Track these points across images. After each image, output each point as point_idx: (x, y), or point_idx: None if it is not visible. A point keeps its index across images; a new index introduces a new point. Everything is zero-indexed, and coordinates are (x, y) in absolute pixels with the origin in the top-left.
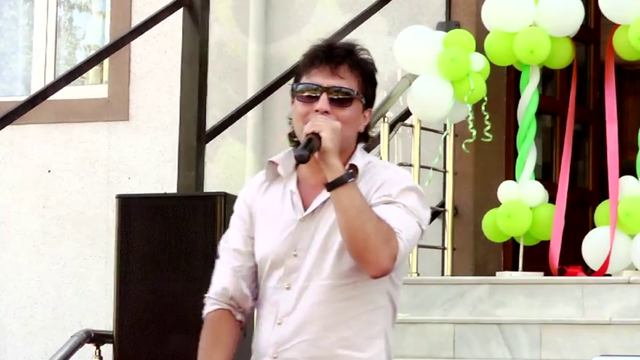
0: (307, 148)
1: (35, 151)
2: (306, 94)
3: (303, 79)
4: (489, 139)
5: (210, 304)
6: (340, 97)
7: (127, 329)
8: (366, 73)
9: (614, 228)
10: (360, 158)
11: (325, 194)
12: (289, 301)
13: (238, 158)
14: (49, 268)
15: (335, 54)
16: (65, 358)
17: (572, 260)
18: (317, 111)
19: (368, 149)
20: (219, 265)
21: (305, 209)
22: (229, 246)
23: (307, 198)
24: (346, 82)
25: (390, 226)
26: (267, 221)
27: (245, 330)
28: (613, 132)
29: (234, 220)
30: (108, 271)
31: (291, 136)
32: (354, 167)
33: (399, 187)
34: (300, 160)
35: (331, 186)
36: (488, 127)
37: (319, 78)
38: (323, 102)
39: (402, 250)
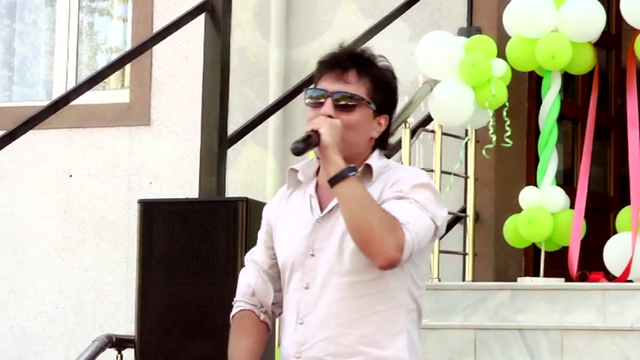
0: (303, 141)
1: (57, 155)
2: (314, 99)
3: (315, 86)
4: (509, 145)
5: (236, 307)
6: (343, 102)
7: (149, 334)
8: (376, 78)
9: (635, 234)
10: (376, 160)
11: None
12: (309, 301)
13: (259, 163)
14: (70, 273)
15: (342, 59)
16: None
17: (594, 266)
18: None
19: (389, 155)
20: (243, 270)
21: (322, 211)
22: (251, 257)
23: (325, 201)
24: (352, 87)
25: (396, 217)
26: (288, 227)
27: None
28: (635, 138)
29: (259, 233)
30: (129, 276)
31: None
32: (368, 167)
33: (412, 184)
34: (295, 152)
35: (333, 181)
36: (508, 133)
37: (326, 83)
38: (327, 107)
39: (409, 242)
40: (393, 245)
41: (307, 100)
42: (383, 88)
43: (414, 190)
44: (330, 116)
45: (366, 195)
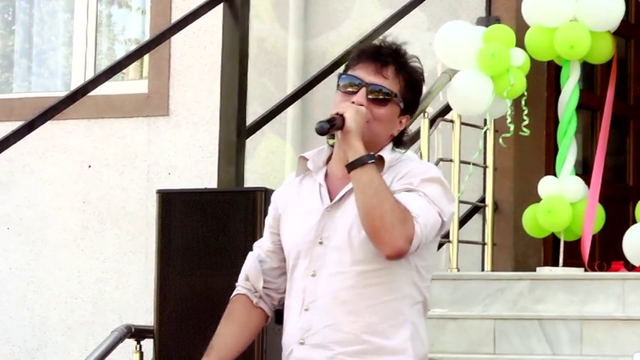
0: (328, 122)
1: (75, 146)
2: (348, 87)
3: (349, 72)
4: (526, 134)
5: (235, 291)
6: (379, 96)
7: (168, 324)
8: (411, 79)
9: None
10: (388, 153)
11: (351, 185)
12: (315, 288)
13: (278, 154)
14: (89, 264)
15: (383, 53)
16: (106, 353)
17: (613, 256)
18: (353, 103)
19: (408, 145)
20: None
21: (331, 200)
22: (258, 243)
23: (334, 189)
24: (388, 82)
25: (408, 209)
26: (296, 214)
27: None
28: None
29: (266, 218)
30: (148, 266)
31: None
32: (380, 158)
33: (422, 177)
34: (320, 132)
35: (351, 166)
36: (526, 122)
37: (363, 73)
38: (360, 96)
39: (418, 234)
40: (402, 236)
41: (341, 86)
42: (414, 89)
43: (424, 183)
44: (361, 105)
45: (382, 183)
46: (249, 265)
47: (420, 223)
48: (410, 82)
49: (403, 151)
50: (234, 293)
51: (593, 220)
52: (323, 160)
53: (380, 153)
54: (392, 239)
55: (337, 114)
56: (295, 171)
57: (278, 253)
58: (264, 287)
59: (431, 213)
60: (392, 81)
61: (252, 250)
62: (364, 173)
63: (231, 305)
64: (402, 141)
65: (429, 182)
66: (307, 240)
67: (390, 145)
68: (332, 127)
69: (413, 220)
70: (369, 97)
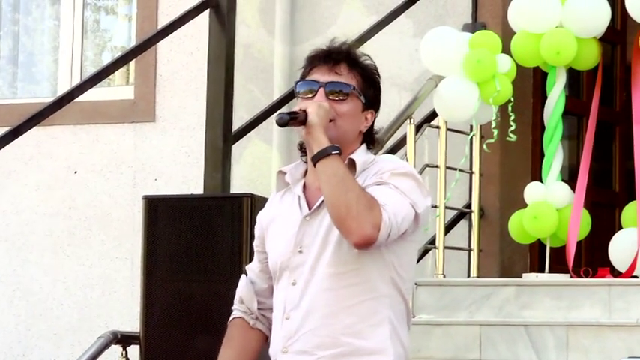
0: (289, 114)
1: (61, 152)
2: (307, 92)
3: (305, 78)
4: (513, 140)
5: (232, 315)
6: (337, 89)
7: (154, 330)
8: (365, 73)
9: None
10: (361, 155)
11: None
12: (295, 295)
13: (264, 159)
14: (75, 270)
15: (333, 53)
16: (92, 359)
17: (599, 262)
18: None
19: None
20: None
21: (310, 209)
22: (249, 265)
23: (312, 200)
24: (344, 77)
25: (375, 198)
26: (278, 227)
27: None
28: None
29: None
30: (134, 273)
31: (301, 146)
32: (351, 161)
33: (392, 172)
34: (279, 123)
35: (316, 157)
36: (512, 128)
37: (318, 75)
38: (320, 96)
39: (386, 221)
40: (369, 222)
41: (300, 92)
42: (371, 83)
43: (394, 177)
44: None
45: (346, 172)
46: (242, 287)
47: (388, 212)
48: (365, 77)
49: (377, 151)
50: (231, 317)
51: (578, 225)
52: (300, 173)
53: (352, 156)
54: (358, 226)
55: (300, 110)
56: (275, 187)
57: (265, 272)
58: (258, 308)
59: (402, 203)
60: (347, 76)
61: (248, 259)
62: (328, 164)
63: (229, 330)
64: (373, 138)
65: (400, 176)
66: (288, 251)
67: (364, 146)
68: (292, 119)
69: (380, 208)
70: (329, 95)
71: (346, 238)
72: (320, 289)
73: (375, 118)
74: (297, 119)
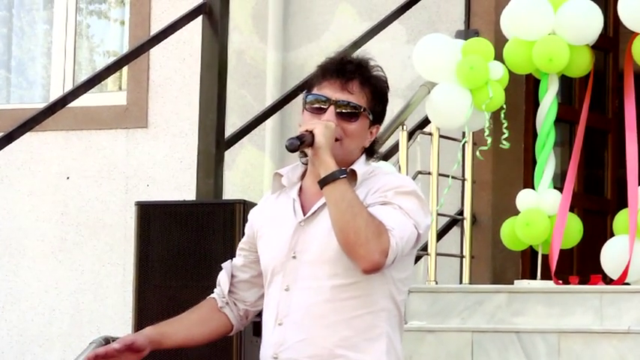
0: (298, 139)
1: (54, 157)
2: (315, 105)
3: (314, 91)
4: (506, 147)
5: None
6: (347, 111)
7: None
8: (376, 90)
9: (633, 237)
10: (361, 166)
11: (324, 199)
12: (288, 302)
13: (257, 165)
14: (67, 275)
15: (347, 69)
16: None
17: (591, 269)
18: None
19: (386, 157)
20: None
21: (305, 215)
22: (233, 260)
23: (308, 204)
24: (355, 97)
25: (382, 222)
26: (271, 230)
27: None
28: (632, 140)
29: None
30: (126, 278)
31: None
32: (352, 172)
33: (397, 190)
34: (290, 148)
35: (323, 182)
36: (505, 135)
37: (329, 91)
38: (330, 114)
39: (393, 247)
40: (378, 249)
41: (307, 105)
42: (380, 99)
43: (399, 196)
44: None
45: (354, 198)
46: (222, 272)
47: (395, 236)
48: (376, 93)
49: (376, 161)
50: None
51: (562, 231)
52: (297, 176)
53: (352, 167)
54: (367, 253)
55: (307, 131)
56: (271, 188)
57: (248, 266)
58: (229, 292)
59: (407, 226)
60: (358, 95)
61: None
62: (336, 188)
63: (199, 304)
64: (374, 150)
65: (404, 195)
66: (281, 255)
67: (363, 157)
68: (302, 144)
69: (388, 234)
70: (339, 114)
71: (354, 263)
72: (317, 300)
73: (378, 131)
74: (305, 142)
